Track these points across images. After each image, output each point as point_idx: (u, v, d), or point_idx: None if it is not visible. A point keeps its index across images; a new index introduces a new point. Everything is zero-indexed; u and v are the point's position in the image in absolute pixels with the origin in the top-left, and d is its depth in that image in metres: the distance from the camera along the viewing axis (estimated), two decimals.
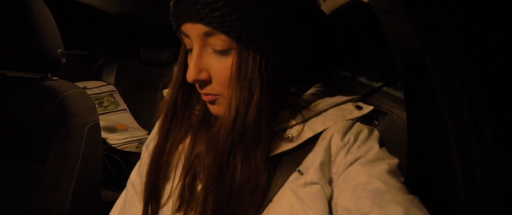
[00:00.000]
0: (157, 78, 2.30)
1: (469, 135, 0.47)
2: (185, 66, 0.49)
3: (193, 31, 0.43)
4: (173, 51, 2.31)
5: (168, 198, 0.51)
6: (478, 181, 0.45)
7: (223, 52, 0.43)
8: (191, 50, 0.46)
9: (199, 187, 0.49)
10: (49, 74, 0.90)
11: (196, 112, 0.53)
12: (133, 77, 2.35)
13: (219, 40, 0.42)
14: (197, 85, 0.47)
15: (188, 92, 0.52)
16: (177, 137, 0.52)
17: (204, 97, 0.48)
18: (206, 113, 0.51)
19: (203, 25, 0.42)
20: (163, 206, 0.52)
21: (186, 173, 0.50)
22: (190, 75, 0.44)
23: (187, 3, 0.42)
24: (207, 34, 0.43)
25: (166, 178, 0.52)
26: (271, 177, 0.46)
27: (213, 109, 0.49)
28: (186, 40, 0.46)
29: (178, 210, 0.49)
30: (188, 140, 0.52)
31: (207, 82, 0.46)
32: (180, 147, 0.52)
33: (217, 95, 0.46)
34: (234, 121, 0.44)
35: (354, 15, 1.51)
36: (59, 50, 0.86)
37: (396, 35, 0.83)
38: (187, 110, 0.52)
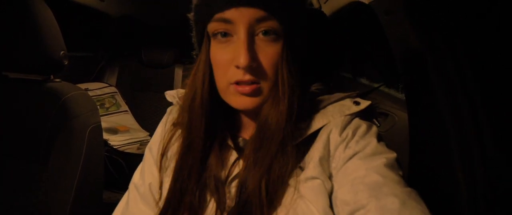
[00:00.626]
0: (158, 79, 2.31)
1: (469, 135, 0.47)
2: (208, 62, 0.49)
3: (242, 16, 0.43)
4: (173, 52, 2.32)
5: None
6: (479, 181, 0.45)
7: (274, 38, 0.45)
8: (221, 34, 0.46)
9: (208, 195, 0.50)
10: (52, 76, 0.90)
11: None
12: (134, 79, 2.35)
13: (269, 26, 0.44)
14: (241, 73, 0.45)
15: (214, 87, 0.50)
16: (207, 144, 0.51)
17: (243, 89, 0.46)
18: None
19: (259, 10, 0.43)
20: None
21: (197, 182, 0.50)
22: (244, 61, 0.43)
23: None
24: (259, 20, 0.43)
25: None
26: None
27: (251, 101, 0.47)
28: (220, 25, 0.45)
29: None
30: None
31: (255, 68, 0.45)
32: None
33: (259, 84, 0.46)
34: (289, 101, 0.46)
35: (355, 16, 1.51)
36: (62, 52, 0.87)
37: (396, 36, 0.84)
38: (212, 112, 0.50)
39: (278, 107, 0.46)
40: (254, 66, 0.45)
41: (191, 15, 0.50)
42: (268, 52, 0.45)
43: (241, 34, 0.44)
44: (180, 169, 0.51)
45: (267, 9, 0.43)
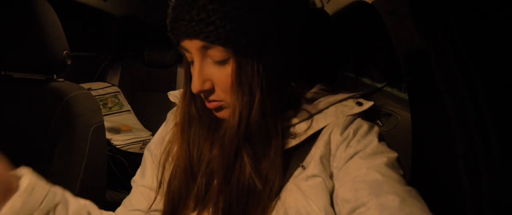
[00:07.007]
0: (161, 79, 2.31)
1: (473, 135, 0.47)
2: (190, 78, 0.50)
3: (191, 46, 0.45)
4: (176, 52, 2.32)
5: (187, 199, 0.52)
6: (483, 182, 0.45)
7: (222, 62, 0.45)
8: (193, 62, 0.47)
9: (215, 185, 0.50)
10: (55, 76, 0.91)
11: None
12: (137, 79, 2.36)
13: (217, 51, 0.44)
14: (202, 95, 0.49)
15: (200, 99, 0.52)
16: (200, 143, 0.53)
17: (208, 105, 0.49)
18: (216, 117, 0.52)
19: (199, 41, 0.43)
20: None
21: (202, 174, 0.51)
22: (195, 87, 0.46)
23: (182, 21, 0.43)
24: (205, 47, 0.44)
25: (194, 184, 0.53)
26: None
27: (219, 114, 0.50)
28: (187, 54, 0.48)
29: (194, 209, 0.51)
30: (207, 143, 0.53)
31: (211, 91, 0.47)
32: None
33: (221, 101, 0.48)
34: (238, 125, 0.46)
35: (358, 16, 1.50)
36: (65, 52, 0.87)
37: (400, 36, 0.83)
38: (203, 117, 0.53)
39: (233, 118, 0.47)
40: (210, 90, 0.47)
41: None
42: (218, 77, 0.46)
43: (195, 61, 0.46)
44: (179, 158, 0.53)
45: (206, 39, 0.43)
